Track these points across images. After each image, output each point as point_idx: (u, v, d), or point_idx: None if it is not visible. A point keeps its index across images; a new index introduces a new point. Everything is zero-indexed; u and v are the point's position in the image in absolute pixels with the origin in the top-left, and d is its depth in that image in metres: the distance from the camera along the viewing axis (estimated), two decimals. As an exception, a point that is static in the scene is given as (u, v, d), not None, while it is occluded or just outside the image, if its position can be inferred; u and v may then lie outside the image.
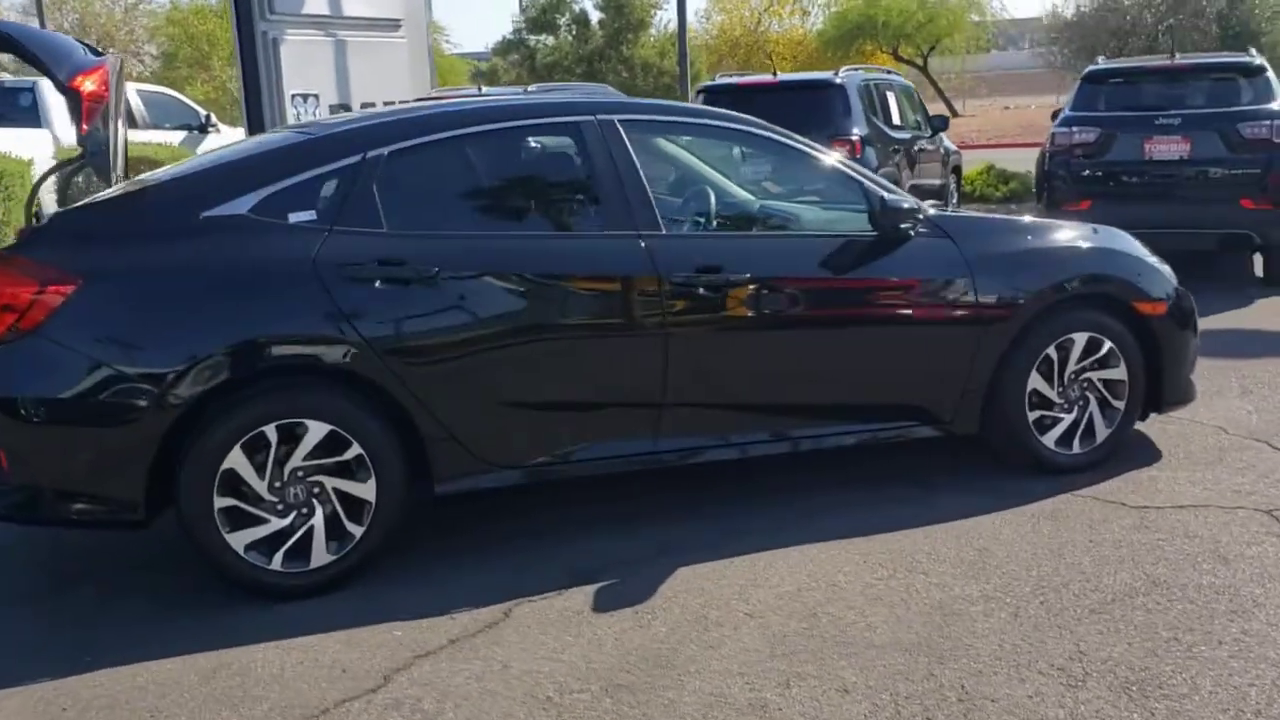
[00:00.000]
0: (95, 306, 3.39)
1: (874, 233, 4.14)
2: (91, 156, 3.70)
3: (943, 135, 11.49)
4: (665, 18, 31.55)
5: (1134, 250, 4.63)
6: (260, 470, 3.47)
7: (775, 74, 10.44)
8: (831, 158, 4.43)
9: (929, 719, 2.77)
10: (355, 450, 3.54)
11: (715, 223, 4.35)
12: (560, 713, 2.86)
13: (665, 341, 3.86)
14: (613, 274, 3.84)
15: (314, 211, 3.63)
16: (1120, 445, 4.50)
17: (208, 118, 14.37)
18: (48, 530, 3.98)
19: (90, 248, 3.47)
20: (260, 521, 3.50)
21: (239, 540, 3.47)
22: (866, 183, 4.25)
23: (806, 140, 4.41)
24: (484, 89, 12.81)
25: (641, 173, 3.94)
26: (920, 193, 8.83)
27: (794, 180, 4.78)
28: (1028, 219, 4.78)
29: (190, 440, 3.41)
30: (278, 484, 3.51)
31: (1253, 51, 9.03)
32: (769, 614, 3.35)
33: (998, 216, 4.74)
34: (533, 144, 4.17)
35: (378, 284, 3.58)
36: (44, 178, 4.22)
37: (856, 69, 10.13)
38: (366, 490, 3.58)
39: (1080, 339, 4.34)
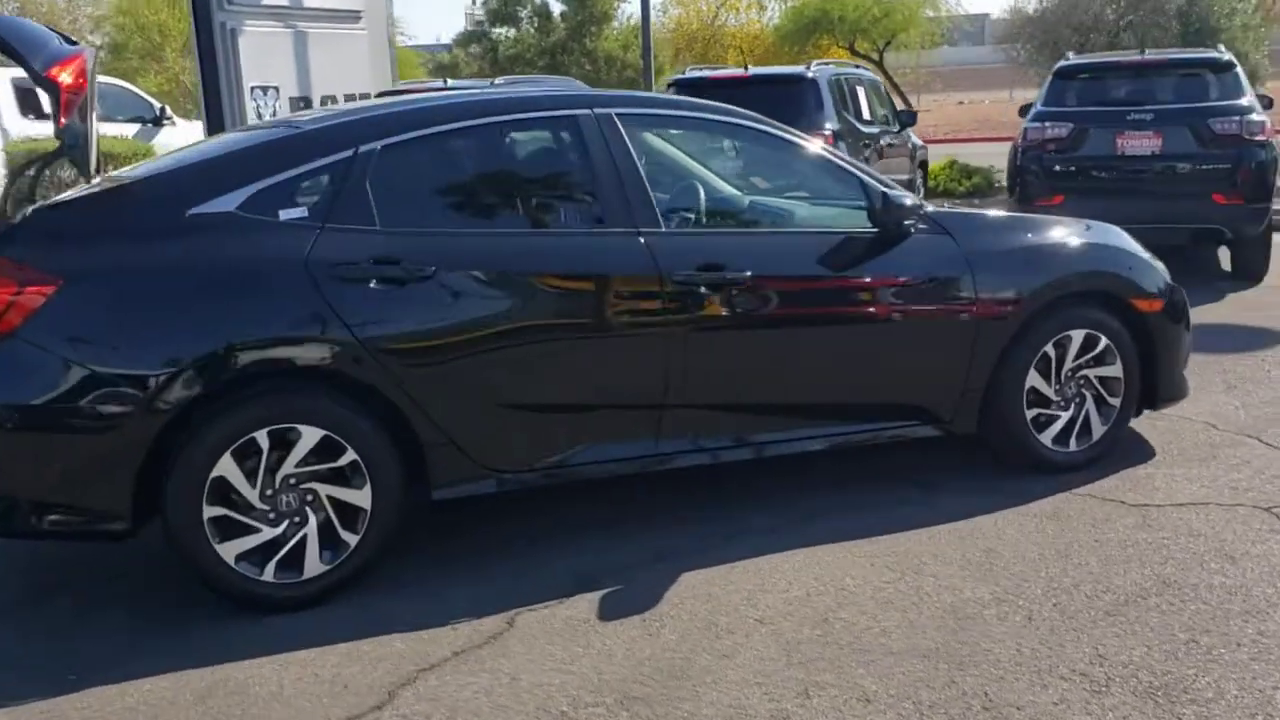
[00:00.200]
0: (77, 308, 3.22)
1: (874, 229, 4.07)
2: (70, 150, 3.54)
3: (910, 130, 11.51)
4: (628, 10, 31.35)
5: (1129, 246, 4.61)
6: (251, 477, 3.33)
7: (746, 68, 10.36)
8: (833, 154, 4.36)
9: (955, 728, 2.72)
10: (350, 456, 3.41)
11: (715, 219, 4.27)
12: (576, 728, 2.77)
13: (666, 341, 3.77)
14: (613, 272, 3.74)
15: (305, 209, 3.49)
16: (1115, 442, 4.49)
17: (162, 110, 14.06)
18: (23, 541, 3.81)
19: (71, 247, 3.30)
20: (251, 531, 3.36)
21: (229, 551, 3.33)
22: (867, 179, 4.18)
23: (806, 136, 4.34)
24: (448, 82, 12.59)
25: (641, 168, 3.85)
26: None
27: (792, 176, 4.70)
28: (1025, 215, 4.73)
29: (178, 447, 3.27)
30: (269, 491, 3.37)
31: (1220, 48, 9.10)
32: (780, 620, 3.28)
33: (995, 213, 4.69)
34: (530, 138, 4.06)
35: (372, 284, 3.45)
36: (21, 169, 4.03)
37: (827, 63, 10.09)
38: (361, 497, 3.45)
39: (1078, 336, 4.31)
